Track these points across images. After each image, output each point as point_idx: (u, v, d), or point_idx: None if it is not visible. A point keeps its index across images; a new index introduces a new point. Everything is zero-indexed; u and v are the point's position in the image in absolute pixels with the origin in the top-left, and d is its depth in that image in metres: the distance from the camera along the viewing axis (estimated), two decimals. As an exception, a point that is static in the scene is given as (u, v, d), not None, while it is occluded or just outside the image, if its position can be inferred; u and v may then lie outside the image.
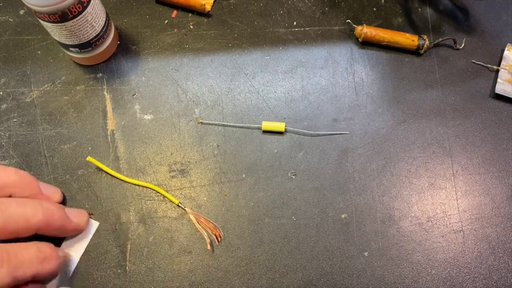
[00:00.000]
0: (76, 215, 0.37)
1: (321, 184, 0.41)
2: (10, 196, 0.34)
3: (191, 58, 0.45)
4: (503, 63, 0.46)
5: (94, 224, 0.39)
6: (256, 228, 0.40)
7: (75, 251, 0.38)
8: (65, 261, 0.36)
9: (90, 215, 0.39)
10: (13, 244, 0.32)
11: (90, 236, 0.38)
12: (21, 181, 0.35)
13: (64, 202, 0.39)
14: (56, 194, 0.38)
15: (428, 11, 0.49)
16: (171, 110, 0.43)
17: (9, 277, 0.30)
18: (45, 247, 0.34)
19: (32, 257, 0.32)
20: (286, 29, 0.47)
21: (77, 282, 0.37)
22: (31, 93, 0.43)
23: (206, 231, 0.39)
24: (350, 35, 0.47)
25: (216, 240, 0.39)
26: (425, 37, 0.45)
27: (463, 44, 0.46)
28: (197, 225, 0.39)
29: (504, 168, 0.43)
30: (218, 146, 0.42)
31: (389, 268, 0.39)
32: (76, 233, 0.38)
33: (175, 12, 0.47)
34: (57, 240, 0.37)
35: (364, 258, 0.39)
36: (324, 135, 0.43)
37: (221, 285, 0.38)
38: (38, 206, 0.33)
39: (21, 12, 0.46)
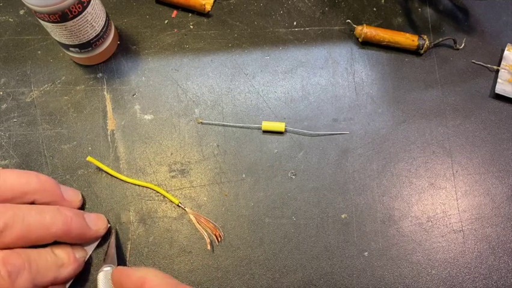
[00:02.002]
0: (94, 222, 0.37)
1: (321, 184, 0.41)
2: (33, 202, 0.34)
3: (191, 58, 0.45)
4: (503, 63, 0.46)
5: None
6: (256, 228, 0.40)
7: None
8: (82, 263, 0.36)
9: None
10: (33, 250, 0.32)
11: (99, 238, 0.38)
12: (42, 187, 0.34)
13: (83, 204, 0.39)
14: (76, 197, 0.38)
15: (428, 11, 0.49)
16: (171, 110, 0.43)
17: (29, 284, 0.30)
18: (63, 253, 0.34)
19: (51, 264, 0.33)
20: (286, 29, 0.47)
21: (77, 283, 0.37)
22: (31, 93, 0.43)
23: (206, 231, 0.39)
24: (350, 35, 0.47)
25: (216, 240, 0.39)
26: (425, 37, 0.45)
27: (463, 44, 0.46)
28: (197, 225, 0.39)
29: (504, 168, 0.43)
30: (218, 146, 0.42)
31: (389, 268, 0.39)
32: (95, 240, 0.37)
33: (175, 12, 0.47)
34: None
35: (364, 258, 0.39)
36: (324, 135, 0.43)
37: (221, 285, 0.38)
38: (57, 214, 0.33)
39: (21, 12, 0.46)
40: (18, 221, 0.31)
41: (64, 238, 0.34)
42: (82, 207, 0.39)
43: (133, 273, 0.30)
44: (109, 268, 0.34)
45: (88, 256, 0.37)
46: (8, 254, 0.30)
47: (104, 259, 0.36)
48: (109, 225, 0.38)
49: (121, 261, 0.38)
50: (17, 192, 0.33)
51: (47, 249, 0.34)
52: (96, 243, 0.38)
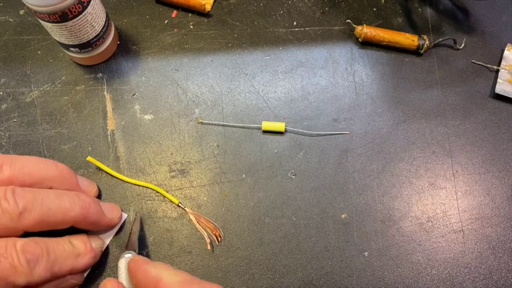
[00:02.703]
0: (109, 210, 0.37)
1: (321, 184, 0.41)
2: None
3: (191, 58, 0.45)
4: (503, 63, 0.46)
5: (123, 216, 0.39)
6: (256, 228, 0.40)
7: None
8: (99, 252, 0.36)
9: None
10: (51, 239, 0.32)
11: (117, 228, 0.38)
12: (61, 175, 0.34)
13: (99, 196, 0.40)
14: (92, 187, 0.38)
15: (428, 11, 0.49)
16: (171, 110, 0.43)
17: (47, 273, 0.31)
18: (80, 242, 0.34)
19: (68, 253, 0.33)
20: (286, 29, 0.47)
21: (96, 268, 0.37)
22: (31, 93, 0.43)
23: (206, 231, 0.39)
24: (350, 35, 0.47)
25: (216, 240, 0.39)
26: (425, 37, 0.45)
27: (463, 44, 0.46)
28: (197, 225, 0.39)
29: (504, 168, 0.43)
30: (218, 146, 0.42)
31: (389, 268, 0.39)
32: (109, 228, 0.38)
33: (175, 12, 0.47)
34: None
35: (364, 258, 0.39)
36: (324, 135, 0.43)
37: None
38: (75, 199, 0.33)
39: (21, 12, 0.46)
40: (37, 205, 0.31)
41: (81, 224, 0.34)
42: (98, 198, 0.40)
43: (149, 270, 0.31)
44: (130, 255, 0.35)
45: (105, 246, 0.37)
46: (26, 242, 0.30)
47: (127, 245, 0.37)
48: (125, 215, 0.39)
49: (143, 247, 0.39)
50: (36, 179, 0.33)
51: (64, 239, 0.34)
52: (113, 233, 0.38)
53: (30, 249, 0.30)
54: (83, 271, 0.35)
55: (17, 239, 0.30)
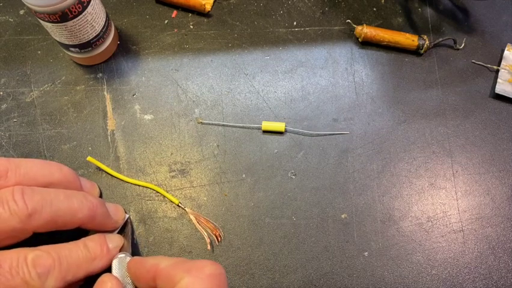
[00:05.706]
0: (114, 212, 0.37)
1: (321, 184, 0.41)
2: None
3: (191, 58, 0.45)
4: (503, 63, 0.46)
5: (125, 217, 0.38)
6: (256, 228, 0.40)
7: None
8: (117, 252, 0.35)
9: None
10: (64, 247, 0.32)
11: (118, 229, 0.38)
12: (65, 179, 0.34)
13: (99, 197, 0.39)
14: (94, 189, 0.38)
15: (428, 11, 0.49)
16: (171, 110, 0.43)
17: (60, 283, 0.30)
18: (96, 245, 0.33)
19: (82, 260, 0.32)
20: (286, 29, 0.47)
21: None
22: (31, 93, 0.43)
23: (206, 231, 0.39)
24: (350, 35, 0.47)
25: (216, 240, 0.39)
26: (425, 37, 0.45)
27: (463, 44, 0.47)
28: (197, 225, 0.39)
29: (504, 168, 0.43)
30: (218, 146, 0.42)
31: (389, 268, 0.39)
32: (112, 230, 0.37)
33: (175, 12, 0.47)
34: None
35: (364, 258, 0.39)
36: (324, 135, 0.43)
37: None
38: (83, 200, 0.33)
39: (21, 12, 0.46)
40: (47, 206, 0.30)
41: (87, 225, 0.33)
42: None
43: (146, 261, 0.31)
44: (123, 255, 0.34)
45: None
46: (38, 255, 0.29)
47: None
48: (127, 215, 0.38)
49: (135, 247, 0.38)
50: (41, 184, 0.32)
51: (79, 244, 0.33)
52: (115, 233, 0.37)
53: (41, 262, 0.29)
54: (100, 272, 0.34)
55: (28, 251, 0.30)
